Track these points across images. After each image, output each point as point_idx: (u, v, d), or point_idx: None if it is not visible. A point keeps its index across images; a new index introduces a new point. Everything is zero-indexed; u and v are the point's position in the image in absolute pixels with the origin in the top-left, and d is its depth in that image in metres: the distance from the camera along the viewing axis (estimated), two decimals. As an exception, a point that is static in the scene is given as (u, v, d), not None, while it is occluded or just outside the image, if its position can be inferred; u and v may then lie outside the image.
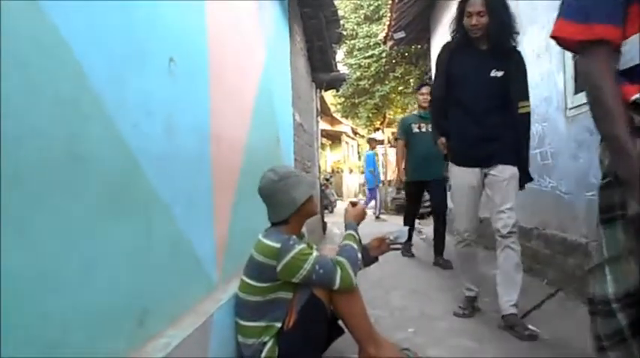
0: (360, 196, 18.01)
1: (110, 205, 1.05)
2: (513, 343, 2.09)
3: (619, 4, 0.96)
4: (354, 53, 11.18)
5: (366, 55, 10.86)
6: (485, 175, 2.39)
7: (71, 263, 0.90)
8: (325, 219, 6.37)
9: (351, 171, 19.35)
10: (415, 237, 5.85)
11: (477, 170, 2.40)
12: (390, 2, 7.10)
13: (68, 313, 0.89)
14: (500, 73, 2.33)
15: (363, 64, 11.01)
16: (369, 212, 10.63)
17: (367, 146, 22.53)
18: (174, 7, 1.46)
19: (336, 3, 4.99)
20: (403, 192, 9.46)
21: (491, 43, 2.33)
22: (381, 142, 14.00)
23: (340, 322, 1.79)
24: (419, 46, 8.94)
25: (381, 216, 9.17)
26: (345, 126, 17.42)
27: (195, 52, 1.66)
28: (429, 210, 8.79)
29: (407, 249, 4.34)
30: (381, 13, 10.66)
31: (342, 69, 9.60)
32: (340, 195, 15.12)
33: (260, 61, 2.73)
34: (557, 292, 2.63)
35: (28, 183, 0.79)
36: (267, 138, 2.83)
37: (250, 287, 1.67)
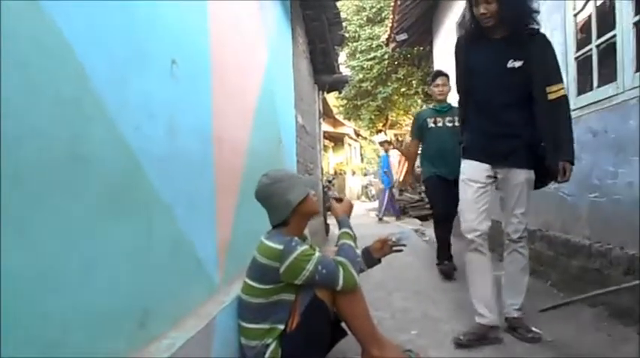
0: (363, 198, 18.01)
1: (112, 206, 1.05)
2: (516, 345, 2.08)
3: None
4: (357, 55, 11.21)
5: (369, 57, 10.88)
6: (496, 175, 2.19)
7: (72, 263, 0.90)
8: (328, 221, 6.36)
9: (353, 172, 19.34)
10: (419, 239, 5.84)
11: (486, 166, 2.17)
12: (392, 4, 7.11)
13: (68, 313, 0.89)
14: (518, 63, 2.08)
15: (365, 66, 11.03)
16: (372, 214, 10.65)
17: (367, 148, 22.42)
18: (177, 9, 1.47)
19: (338, 5, 4.99)
20: (406, 194, 9.54)
21: (507, 31, 2.09)
22: (383, 144, 14.00)
23: (343, 324, 1.79)
24: (421, 48, 8.94)
25: (384, 218, 9.15)
26: (348, 128, 17.43)
27: (197, 54, 1.66)
28: (432, 212, 8.81)
29: (447, 271, 3.50)
30: (383, 15, 10.67)
31: (345, 71, 9.63)
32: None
33: (262, 62, 2.74)
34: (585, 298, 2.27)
35: (29, 183, 0.79)
36: (269, 140, 2.83)
37: (253, 289, 1.67)
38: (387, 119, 13.48)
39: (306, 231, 1.95)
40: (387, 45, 8.58)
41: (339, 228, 1.90)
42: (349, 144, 19.78)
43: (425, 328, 2.38)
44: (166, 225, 1.34)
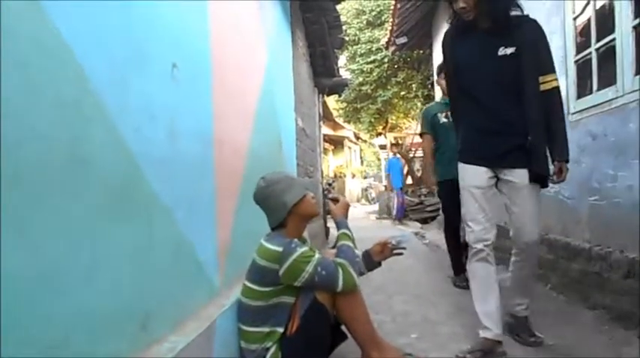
0: (363, 201, 18.00)
1: (112, 209, 1.05)
2: (517, 348, 2.08)
3: None
4: (357, 58, 11.24)
5: (369, 60, 10.91)
6: (498, 178, 2.03)
7: (73, 265, 0.90)
8: (328, 224, 6.36)
9: (353, 175, 19.36)
10: (419, 242, 5.84)
11: (484, 170, 2.02)
12: (392, 8, 7.14)
13: (70, 316, 0.88)
14: (510, 50, 1.92)
15: (365, 69, 11.05)
16: (372, 216, 10.62)
17: (366, 151, 22.39)
18: (177, 11, 1.47)
19: (338, 8, 5.01)
20: (406, 197, 9.56)
21: (491, 21, 1.95)
22: (384, 147, 14.02)
23: (343, 327, 1.79)
24: (421, 51, 8.97)
25: (384, 221, 9.17)
26: (348, 131, 17.46)
27: (197, 56, 1.66)
28: (432, 215, 8.86)
29: (460, 279, 3.29)
30: (383, 18, 10.71)
31: (345, 74, 9.65)
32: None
33: (262, 65, 2.74)
34: None
35: (30, 185, 0.79)
36: (269, 143, 2.83)
37: (253, 291, 1.66)
38: (386, 122, 13.49)
39: (306, 234, 1.95)
40: (386, 48, 8.61)
41: (338, 229, 1.90)
42: (349, 147, 19.81)
43: (425, 331, 2.37)
44: (167, 228, 1.34)
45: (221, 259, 1.80)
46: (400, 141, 12.37)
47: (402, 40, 7.69)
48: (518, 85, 1.93)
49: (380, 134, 14.36)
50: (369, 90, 11.43)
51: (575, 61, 2.84)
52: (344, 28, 6.27)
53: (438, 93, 7.48)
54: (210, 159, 1.74)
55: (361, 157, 23.86)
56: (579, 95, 2.79)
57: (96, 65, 1.00)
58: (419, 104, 11.40)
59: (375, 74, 11.01)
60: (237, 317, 1.71)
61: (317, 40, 5.25)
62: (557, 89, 1.95)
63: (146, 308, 1.18)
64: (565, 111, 2.81)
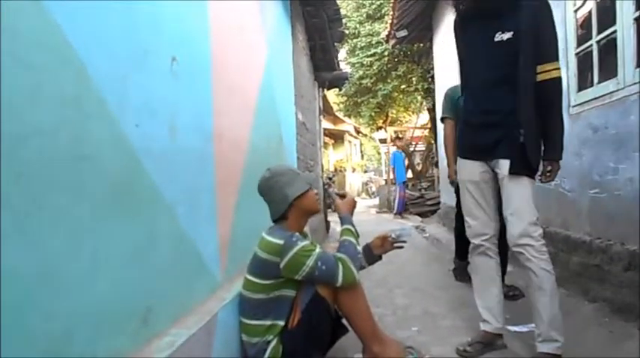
0: (364, 195, 18.01)
1: (113, 204, 1.05)
2: (518, 341, 2.09)
3: None
4: (357, 52, 11.17)
5: (369, 53, 10.84)
6: (494, 169, 1.93)
7: (74, 262, 0.91)
8: (328, 218, 6.37)
9: (354, 169, 19.35)
10: (419, 236, 5.85)
11: (477, 164, 1.95)
12: (392, 1, 7.09)
13: (71, 311, 0.89)
14: (507, 35, 1.78)
15: (365, 62, 10.99)
16: (372, 210, 10.64)
17: (367, 145, 22.36)
18: (177, 6, 1.46)
19: (338, 2, 4.98)
20: (406, 191, 9.55)
21: (489, 1, 1.84)
22: (384, 141, 14.00)
23: (344, 320, 1.79)
24: (421, 45, 8.92)
25: (384, 215, 9.19)
26: (348, 125, 17.42)
27: (197, 51, 1.66)
28: (432, 208, 8.87)
29: (461, 271, 3.15)
30: (383, 11, 10.63)
31: (345, 68, 9.61)
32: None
33: (262, 59, 2.73)
34: None
35: (31, 182, 0.80)
36: (269, 137, 2.83)
37: (254, 284, 1.67)
38: (387, 116, 13.44)
39: (307, 228, 1.95)
40: (387, 42, 8.56)
41: (342, 225, 1.90)
42: (349, 142, 19.78)
43: (426, 324, 2.39)
44: (168, 223, 1.34)
45: (222, 253, 1.81)
46: (400, 135, 12.34)
47: (402, 33, 7.65)
48: (514, 72, 1.77)
49: (380, 128, 14.32)
50: (369, 84, 11.38)
51: (576, 54, 2.82)
52: (344, 21, 6.23)
53: (440, 86, 7.46)
54: (210, 153, 1.74)
55: (361, 151, 23.83)
56: (580, 88, 2.78)
57: (97, 61, 1.00)
58: (419, 98, 11.36)
59: (375, 67, 10.95)
60: (239, 310, 1.72)
61: (317, 33, 5.22)
62: (556, 80, 1.76)
63: (147, 303, 1.19)
64: (565, 104, 2.83)
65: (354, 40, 11.11)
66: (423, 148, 12.45)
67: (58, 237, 0.86)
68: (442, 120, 3.17)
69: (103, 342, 0.99)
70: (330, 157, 17.08)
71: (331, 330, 1.76)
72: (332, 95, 12.45)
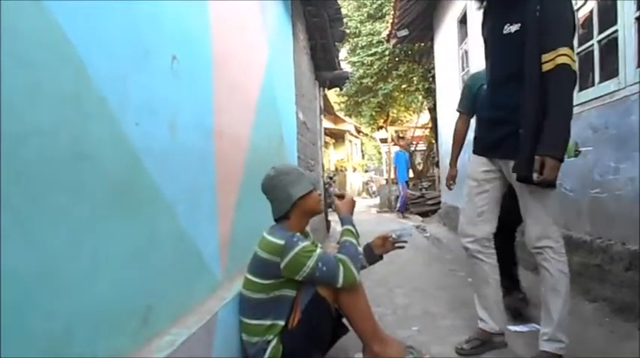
0: (364, 194, 18.01)
1: (114, 203, 1.05)
2: (519, 339, 2.09)
3: None
4: (358, 51, 11.16)
5: (370, 53, 10.83)
6: (501, 169, 1.87)
7: (75, 261, 0.91)
8: (329, 218, 6.37)
9: (354, 169, 19.35)
10: (420, 235, 5.85)
11: (482, 160, 1.89)
12: (393, 0, 7.08)
13: (72, 310, 0.89)
14: (514, 27, 1.69)
15: (366, 62, 10.98)
16: (373, 210, 10.62)
17: (367, 144, 22.34)
18: (178, 5, 1.46)
19: (339, 1, 4.98)
20: (410, 190, 9.54)
21: None
22: (385, 141, 13.98)
23: (345, 320, 1.80)
24: (422, 44, 8.91)
25: (385, 214, 9.19)
26: (349, 124, 17.42)
27: (198, 50, 1.66)
28: (433, 208, 8.86)
29: (515, 304, 2.45)
30: (384, 11, 10.62)
31: (346, 67, 9.61)
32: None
33: (263, 58, 2.73)
34: None
35: (31, 181, 0.80)
36: (270, 136, 2.83)
37: (254, 284, 1.67)
38: (387, 116, 13.44)
39: (308, 228, 1.95)
40: (387, 41, 8.56)
41: (342, 225, 1.90)
42: (350, 141, 19.77)
43: (426, 324, 2.39)
44: (168, 222, 1.34)
45: (222, 252, 1.81)
46: (401, 135, 12.33)
47: (403, 32, 7.65)
48: (522, 67, 1.66)
49: (381, 127, 14.31)
50: (370, 84, 11.37)
51: (577, 53, 2.82)
52: (345, 20, 6.23)
53: (440, 86, 7.46)
54: (211, 152, 1.74)
55: (362, 151, 23.82)
56: (581, 87, 2.78)
57: (97, 60, 0.99)
58: (420, 97, 11.35)
59: (376, 67, 10.94)
60: (239, 310, 1.72)
61: (318, 32, 5.22)
62: (561, 67, 1.56)
63: (147, 302, 1.19)
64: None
65: (355, 40, 11.10)
66: (424, 148, 12.44)
67: (58, 237, 0.86)
68: (460, 114, 2.75)
69: (103, 342, 0.99)
70: (331, 157, 17.08)
71: (331, 330, 1.76)
72: (333, 94, 12.44)
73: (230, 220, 1.93)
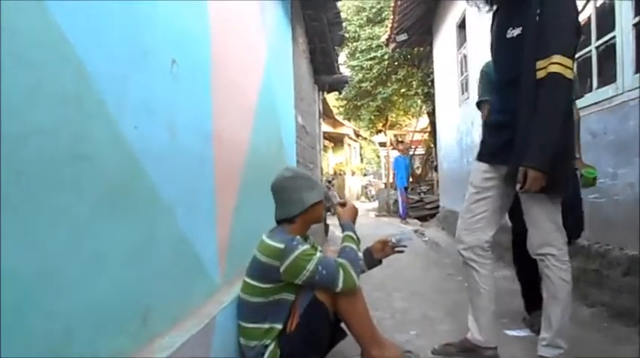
0: (363, 198, 18.01)
1: (112, 205, 1.05)
2: (516, 344, 2.08)
3: None
4: (357, 55, 11.21)
5: (369, 57, 10.88)
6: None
7: (74, 263, 0.90)
8: (327, 222, 6.36)
9: (353, 173, 19.35)
10: (418, 239, 5.85)
11: (484, 166, 1.85)
12: (392, 5, 7.12)
13: (71, 312, 0.88)
14: (516, 31, 1.67)
15: (365, 66, 11.03)
16: (371, 214, 10.60)
17: (366, 148, 22.34)
18: (177, 7, 1.47)
19: (338, 5, 4.99)
20: (409, 195, 9.54)
21: None
22: (384, 145, 14.00)
23: (343, 325, 1.79)
24: (421, 49, 8.95)
25: (383, 218, 9.17)
26: (348, 128, 17.45)
27: (197, 53, 1.66)
28: (432, 212, 8.86)
29: (534, 318, 2.22)
30: (383, 15, 10.68)
31: (345, 71, 9.63)
32: (343, 197, 15.13)
33: (262, 62, 2.74)
34: None
35: (31, 182, 0.79)
36: (269, 140, 2.83)
37: (253, 288, 1.66)
38: (386, 120, 13.48)
39: (309, 231, 1.95)
40: (387, 45, 8.60)
41: (343, 231, 1.89)
42: (349, 145, 19.79)
43: (424, 328, 2.38)
44: (167, 224, 1.34)
45: (221, 255, 1.80)
46: (400, 139, 12.36)
47: (402, 37, 7.69)
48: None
49: (380, 131, 14.35)
50: (369, 88, 11.41)
51: (575, 59, 2.83)
52: (344, 25, 6.26)
53: (439, 91, 7.48)
54: (210, 155, 1.74)
55: (361, 155, 23.84)
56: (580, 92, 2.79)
57: (96, 61, 0.99)
58: (419, 101, 11.39)
59: (375, 71, 10.99)
60: (237, 313, 1.71)
61: (317, 36, 5.24)
62: (552, 76, 1.53)
63: (146, 305, 1.18)
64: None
65: (355, 44, 11.15)
66: (423, 152, 12.47)
67: (58, 238, 0.86)
68: (478, 106, 2.46)
69: (102, 342, 0.98)
70: (330, 160, 17.09)
71: (330, 334, 1.75)
72: (332, 98, 12.46)
73: (229, 224, 1.93)
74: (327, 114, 12.07)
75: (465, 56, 5.60)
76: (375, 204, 12.75)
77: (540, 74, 1.56)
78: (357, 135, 20.25)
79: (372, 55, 10.83)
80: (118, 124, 1.08)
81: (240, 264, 1.86)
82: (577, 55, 2.80)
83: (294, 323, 1.64)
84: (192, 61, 1.58)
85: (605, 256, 2.42)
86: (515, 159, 1.62)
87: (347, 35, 9.01)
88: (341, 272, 1.64)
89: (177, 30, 1.46)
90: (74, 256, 0.90)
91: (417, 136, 12.57)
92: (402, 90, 11.44)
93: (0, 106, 0.72)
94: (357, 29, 11.21)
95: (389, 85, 11.23)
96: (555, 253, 1.71)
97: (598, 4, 2.67)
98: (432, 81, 8.17)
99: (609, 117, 2.43)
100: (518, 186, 1.61)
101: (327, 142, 15.43)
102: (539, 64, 1.56)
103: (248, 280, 1.69)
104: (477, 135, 1.98)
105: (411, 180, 10.69)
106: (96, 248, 0.97)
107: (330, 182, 11.24)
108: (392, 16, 7.30)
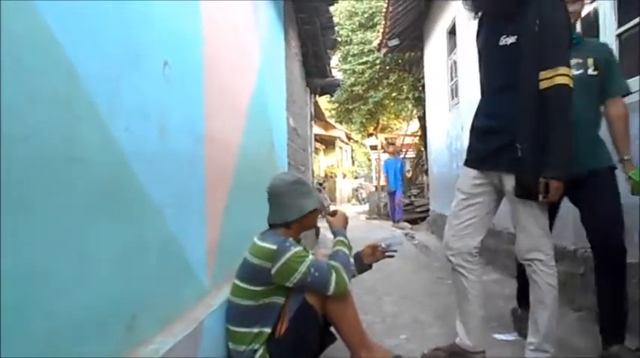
0: (354, 201, 18.04)
1: (102, 207, 1.03)
2: (504, 347, 2.10)
3: None
4: (349, 59, 11.25)
5: (361, 61, 10.93)
6: (493, 182, 1.83)
7: (61, 265, 0.89)
8: (318, 224, 6.35)
9: (344, 175, 19.38)
10: (408, 243, 5.87)
11: (473, 172, 1.87)
12: (384, 10, 7.17)
13: (56, 316, 0.87)
14: (511, 39, 1.68)
15: (357, 70, 11.07)
16: (362, 216, 10.61)
17: (358, 151, 22.40)
18: (170, 9, 1.46)
19: (331, 10, 5.02)
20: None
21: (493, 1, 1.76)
22: (375, 148, 14.06)
23: (332, 329, 1.78)
24: (412, 54, 9.02)
25: (374, 221, 9.18)
26: (339, 131, 17.48)
27: (190, 55, 1.65)
28: (422, 215, 8.89)
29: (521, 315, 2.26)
30: (375, 20, 10.73)
31: (337, 74, 9.66)
32: (333, 199, 15.14)
33: (255, 64, 2.73)
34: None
35: (20, 184, 0.78)
36: (261, 142, 2.82)
37: (243, 290, 1.65)
38: (377, 123, 13.53)
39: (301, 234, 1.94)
40: (378, 50, 8.64)
41: (335, 237, 1.89)
42: (340, 148, 19.83)
43: (414, 332, 2.39)
44: (156, 227, 1.32)
45: (210, 259, 1.79)
46: (391, 141, 12.41)
47: (394, 42, 7.74)
48: (517, 79, 1.66)
49: (371, 135, 14.39)
50: (360, 91, 11.45)
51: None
52: (336, 29, 6.28)
53: (430, 96, 7.53)
54: (200, 157, 1.73)
55: (352, 157, 23.89)
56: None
57: (87, 63, 0.98)
58: (410, 106, 11.46)
59: (366, 75, 11.03)
60: (226, 317, 1.70)
61: (310, 40, 5.25)
62: (560, 87, 1.57)
63: (133, 309, 1.17)
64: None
65: (347, 48, 11.19)
66: (414, 155, 12.54)
67: (45, 240, 0.84)
68: None
69: (87, 347, 0.96)
70: (321, 163, 17.10)
71: (319, 339, 1.75)
72: (324, 101, 12.49)
73: (218, 226, 1.92)
74: (318, 116, 12.09)
75: (455, 62, 5.65)
76: (366, 207, 12.77)
77: (546, 84, 1.60)
78: (349, 138, 20.30)
79: (364, 59, 10.88)
80: (109, 126, 1.07)
81: (229, 266, 1.84)
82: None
83: (284, 328, 1.63)
84: (184, 62, 1.57)
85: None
86: (523, 169, 1.65)
87: (339, 39, 9.04)
88: (333, 275, 1.64)
89: (169, 31, 1.45)
90: (60, 259, 0.89)
91: (408, 140, 12.63)
92: (393, 95, 11.51)
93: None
94: (350, 33, 11.25)
95: (380, 89, 11.28)
96: (543, 258, 1.74)
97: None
98: (423, 86, 8.24)
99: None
100: (540, 198, 1.63)
101: (318, 145, 15.44)
102: (544, 74, 1.60)
103: (238, 283, 1.68)
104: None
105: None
106: (83, 251, 0.96)
107: (321, 184, 11.24)
108: (384, 22, 7.35)
